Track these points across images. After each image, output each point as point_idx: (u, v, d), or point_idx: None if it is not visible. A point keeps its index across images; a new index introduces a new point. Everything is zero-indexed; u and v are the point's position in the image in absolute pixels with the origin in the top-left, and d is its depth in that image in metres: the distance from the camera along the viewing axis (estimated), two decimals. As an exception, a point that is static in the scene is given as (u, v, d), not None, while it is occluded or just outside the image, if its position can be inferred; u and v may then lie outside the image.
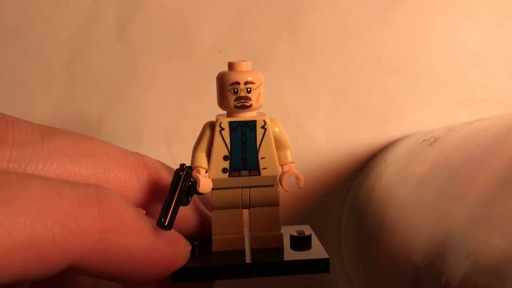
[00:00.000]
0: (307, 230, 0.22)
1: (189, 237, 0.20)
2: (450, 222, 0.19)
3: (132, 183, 0.20)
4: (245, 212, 0.21)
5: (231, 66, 0.21)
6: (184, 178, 0.19)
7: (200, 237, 0.21)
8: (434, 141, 0.26)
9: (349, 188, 0.32)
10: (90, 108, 0.31)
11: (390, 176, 0.27)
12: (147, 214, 0.19)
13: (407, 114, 0.32)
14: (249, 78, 0.20)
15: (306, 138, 0.32)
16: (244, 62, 0.20)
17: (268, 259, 0.20)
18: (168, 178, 0.20)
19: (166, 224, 0.18)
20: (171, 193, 0.19)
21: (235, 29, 0.31)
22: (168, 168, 0.21)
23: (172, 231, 0.19)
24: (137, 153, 0.20)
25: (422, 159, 0.25)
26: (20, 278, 0.15)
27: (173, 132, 0.32)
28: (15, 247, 0.15)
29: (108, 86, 0.31)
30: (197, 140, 0.21)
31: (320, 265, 0.20)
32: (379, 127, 0.32)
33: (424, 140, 0.27)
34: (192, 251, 0.20)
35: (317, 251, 0.21)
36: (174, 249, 0.19)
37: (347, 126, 0.32)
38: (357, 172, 0.32)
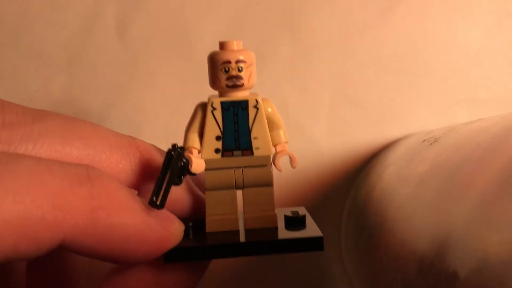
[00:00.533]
0: (301, 211, 0.22)
1: (183, 219, 0.20)
2: (450, 222, 0.19)
3: (124, 164, 0.19)
4: (239, 193, 0.21)
5: (222, 45, 0.20)
6: (176, 157, 0.19)
7: (194, 219, 0.21)
8: (434, 141, 0.26)
9: (349, 188, 0.32)
10: (90, 108, 0.31)
11: (390, 176, 0.27)
12: (140, 195, 0.19)
13: (407, 114, 0.32)
14: (241, 57, 0.20)
15: (306, 138, 0.32)
16: (235, 42, 0.20)
17: (262, 238, 0.20)
18: (160, 160, 0.20)
19: (158, 203, 0.18)
20: (162, 172, 0.19)
21: (235, 29, 0.31)
22: (161, 151, 0.21)
23: (165, 211, 0.19)
24: (129, 136, 0.20)
25: (422, 159, 0.25)
26: (11, 257, 0.15)
27: (173, 132, 0.32)
28: (4, 224, 0.14)
29: (108, 86, 0.31)
30: (189, 121, 0.21)
31: (314, 243, 0.20)
32: (379, 127, 0.32)
33: (424, 140, 0.27)
34: (186, 232, 0.20)
35: (311, 230, 0.20)
36: (167, 228, 0.19)
37: (347, 126, 0.32)
38: (357, 172, 0.32)
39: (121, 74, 0.31)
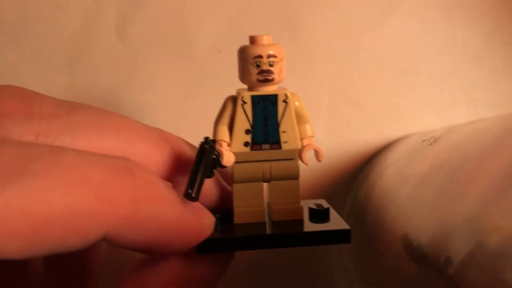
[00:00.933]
0: (324, 203, 0.22)
1: (210, 210, 0.20)
2: (450, 222, 0.19)
3: (155, 156, 0.20)
4: (265, 185, 0.21)
5: (253, 39, 0.20)
6: (209, 151, 0.19)
7: (220, 210, 0.21)
8: (434, 141, 0.26)
9: (349, 188, 0.32)
10: (90, 108, 0.31)
11: (390, 176, 0.27)
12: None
13: (407, 114, 0.32)
14: (272, 52, 0.20)
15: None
16: (265, 36, 0.20)
17: (290, 231, 0.20)
18: (188, 152, 0.21)
19: (193, 195, 0.19)
20: (196, 165, 0.19)
21: (235, 29, 0.31)
22: (187, 143, 0.21)
23: (197, 204, 0.19)
24: (158, 128, 0.21)
25: (422, 159, 0.25)
26: (57, 249, 0.15)
27: (173, 132, 0.32)
28: (54, 217, 0.15)
29: (108, 86, 0.31)
30: (218, 113, 0.21)
31: (341, 236, 0.20)
32: (379, 127, 0.32)
33: (424, 140, 0.27)
34: (214, 223, 0.20)
35: (337, 222, 0.21)
36: (201, 220, 0.19)
37: (347, 126, 0.32)
38: (357, 172, 0.32)
39: (121, 74, 0.31)
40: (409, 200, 0.23)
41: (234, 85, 0.31)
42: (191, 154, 0.21)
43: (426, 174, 0.23)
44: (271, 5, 0.31)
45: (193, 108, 0.32)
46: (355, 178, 0.32)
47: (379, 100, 0.32)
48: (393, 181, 0.26)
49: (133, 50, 0.31)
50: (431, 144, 0.26)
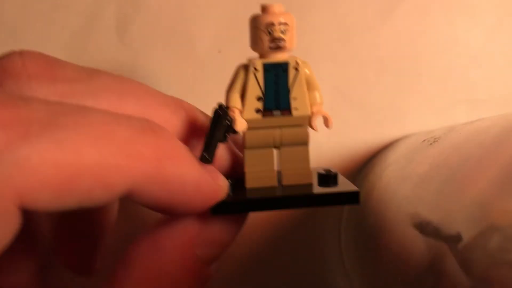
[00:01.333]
0: (332, 169, 0.23)
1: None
2: (450, 222, 0.19)
3: (172, 121, 0.21)
4: (275, 151, 0.22)
5: (264, 8, 0.21)
6: (222, 116, 0.20)
7: (232, 177, 0.22)
8: (434, 141, 0.26)
9: (349, 188, 0.32)
10: (90, 108, 0.31)
11: (390, 176, 0.27)
12: None
13: (407, 114, 0.32)
14: (283, 19, 0.21)
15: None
16: (276, 4, 0.21)
17: (300, 193, 0.21)
18: (203, 120, 0.21)
19: (208, 158, 0.19)
20: (211, 130, 0.20)
21: (235, 29, 0.31)
22: (203, 112, 0.22)
23: (212, 167, 0.20)
24: (173, 96, 0.21)
25: (422, 159, 0.25)
26: (84, 202, 0.16)
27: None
28: (84, 170, 0.15)
29: (108, 86, 0.31)
30: (230, 81, 0.21)
31: (350, 197, 0.21)
32: (379, 127, 0.32)
33: (424, 140, 0.27)
34: (227, 185, 0.20)
35: (346, 185, 0.22)
36: (216, 181, 0.20)
37: (347, 126, 0.32)
38: (357, 172, 0.32)
39: (121, 74, 0.31)
40: (409, 200, 0.23)
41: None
42: (206, 122, 0.21)
43: (426, 174, 0.23)
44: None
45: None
46: (355, 178, 0.32)
47: (379, 100, 0.32)
48: (393, 181, 0.26)
49: (133, 50, 0.31)
50: (431, 144, 0.26)
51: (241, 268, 0.32)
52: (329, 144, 0.32)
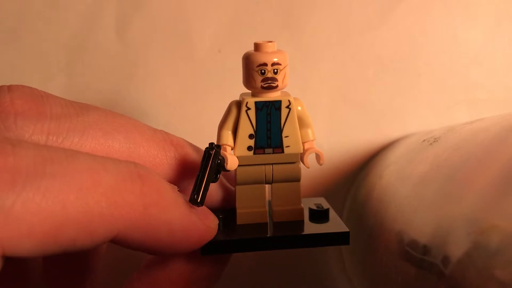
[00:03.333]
0: (324, 203, 0.23)
1: (213, 211, 0.21)
2: (450, 222, 0.19)
3: (160, 158, 0.20)
4: (267, 186, 0.22)
5: (257, 47, 0.21)
6: (214, 156, 0.20)
7: (223, 210, 0.22)
8: (434, 141, 0.26)
9: (349, 188, 0.32)
10: (90, 108, 0.31)
11: (390, 176, 0.27)
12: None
13: (407, 114, 0.32)
14: (276, 60, 0.20)
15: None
16: (270, 43, 0.21)
17: (291, 233, 0.21)
18: (192, 154, 0.21)
19: (198, 200, 0.19)
20: (202, 170, 0.20)
21: (235, 29, 0.31)
22: (191, 145, 0.22)
23: (203, 206, 0.20)
24: (162, 130, 0.21)
25: (422, 159, 0.25)
26: (68, 249, 0.16)
27: (173, 132, 0.32)
28: (68, 219, 0.15)
29: (108, 86, 0.31)
30: (222, 118, 0.22)
31: (341, 238, 0.21)
32: (379, 127, 0.32)
33: (424, 140, 0.27)
34: (218, 224, 0.20)
35: (337, 224, 0.22)
36: (206, 222, 0.20)
37: (347, 126, 0.32)
38: (357, 172, 0.32)
39: (121, 74, 0.31)
40: (409, 200, 0.23)
41: (233, 85, 0.31)
42: (195, 155, 0.21)
43: (426, 174, 0.23)
44: (271, 5, 0.31)
45: (193, 108, 0.32)
46: (355, 178, 0.32)
47: (379, 100, 0.32)
48: (393, 181, 0.26)
49: (133, 50, 0.31)
50: (431, 144, 0.26)
51: (241, 269, 0.32)
52: (329, 144, 0.32)
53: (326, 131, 0.32)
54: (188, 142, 0.22)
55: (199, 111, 0.31)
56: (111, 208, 0.16)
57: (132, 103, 0.31)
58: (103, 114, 0.20)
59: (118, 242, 0.17)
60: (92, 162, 0.16)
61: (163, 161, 0.21)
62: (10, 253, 0.15)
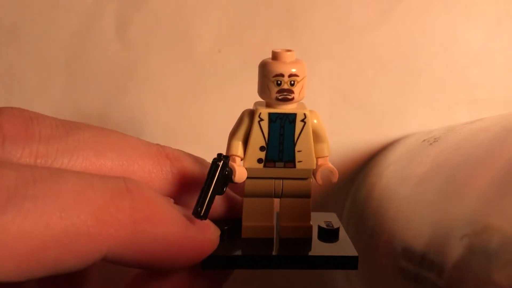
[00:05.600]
0: (334, 220, 0.22)
1: (218, 222, 0.20)
2: (450, 222, 0.19)
3: (156, 173, 0.20)
4: (276, 200, 0.21)
5: (275, 55, 0.20)
6: (222, 168, 0.19)
7: (229, 221, 0.21)
8: (434, 141, 0.26)
9: (349, 188, 0.32)
10: (90, 108, 0.31)
11: (390, 176, 0.27)
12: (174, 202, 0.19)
13: (407, 114, 0.32)
14: (294, 70, 0.19)
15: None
16: (288, 53, 0.20)
17: (297, 252, 0.20)
18: (190, 166, 0.20)
19: (201, 214, 0.18)
20: (208, 183, 0.19)
21: (235, 29, 0.31)
22: (189, 156, 0.21)
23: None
24: (157, 144, 0.21)
25: (422, 159, 0.25)
26: (55, 271, 0.15)
27: (173, 132, 0.32)
28: (52, 240, 0.15)
29: (108, 86, 0.31)
30: (234, 127, 0.20)
31: (349, 262, 0.20)
32: (379, 127, 0.32)
33: (424, 140, 0.27)
34: (222, 235, 0.20)
35: (346, 246, 0.21)
36: (205, 235, 0.19)
37: (347, 126, 0.32)
38: (357, 172, 0.32)
39: (121, 74, 0.31)
40: (409, 200, 0.23)
41: (233, 85, 0.31)
42: (193, 167, 0.21)
43: (426, 174, 0.23)
44: (271, 5, 0.31)
45: (193, 108, 0.31)
46: (355, 178, 0.32)
47: (379, 100, 0.32)
48: (393, 181, 0.26)
49: (133, 50, 0.31)
50: (431, 144, 0.26)
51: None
52: (329, 144, 0.32)
53: (326, 131, 0.32)
54: (186, 154, 0.21)
55: (199, 111, 0.31)
56: (99, 226, 0.16)
57: (132, 103, 0.31)
58: (94, 133, 0.19)
59: (110, 261, 0.17)
60: (78, 180, 0.16)
61: (159, 176, 0.20)
62: None
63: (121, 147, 0.19)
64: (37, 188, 0.15)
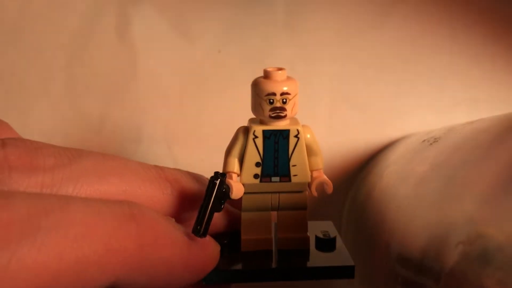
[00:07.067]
0: (331, 229, 0.23)
1: (217, 236, 0.21)
2: (450, 222, 0.19)
3: (157, 196, 0.20)
4: (273, 213, 0.22)
5: (267, 74, 0.20)
6: (219, 186, 0.19)
7: (227, 234, 0.22)
8: (434, 141, 0.26)
9: (349, 188, 0.32)
10: (90, 108, 0.31)
11: (390, 176, 0.27)
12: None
13: (407, 114, 0.32)
14: (285, 89, 0.20)
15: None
16: (280, 71, 0.20)
17: (295, 264, 0.21)
18: (189, 186, 0.21)
19: (201, 232, 0.19)
20: (206, 201, 0.19)
21: (235, 29, 0.31)
22: (187, 174, 0.22)
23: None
24: (156, 166, 0.21)
25: (422, 159, 0.25)
26: None
27: (173, 132, 0.32)
28: (65, 271, 0.15)
29: (108, 86, 0.31)
30: (229, 145, 0.21)
31: (345, 272, 0.21)
32: (379, 127, 0.32)
33: (424, 140, 0.27)
34: (222, 250, 0.20)
35: (343, 256, 0.21)
36: (206, 252, 0.19)
37: (347, 126, 0.32)
38: (357, 172, 0.32)
39: (121, 74, 0.31)
40: (409, 200, 0.23)
41: (233, 85, 0.31)
42: (192, 186, 0.21)
43: (426, 174, 0.23)
44: (271, 5, 0.31)
45: (193, 108, 0.31)
46: (355, 178, 0.32)
47: (379, 100, 0.32)
48: (393, 181, 0.26)
49: (133, 50, 0.31)
50: (431, 144, 0.26)
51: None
52: (329, 144, 0.32)
53: (326, 131, 0.32)
54: (184, 173, 0.22)
55: (199, 111, 0.31)
56: (108, 254, 0.16)
57: (132, 103, 0.31)
58: (97, 159, 0.19)
59: (117, 286, 0.17)
60: (86, 208, 0.16)
61: (160, 199, 0.20)
62: None
63: (122, 172, 0.20)
64: (48, 219, 0.15)
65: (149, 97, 0.31)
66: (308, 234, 0.22)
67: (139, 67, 0.31)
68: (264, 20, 0.31)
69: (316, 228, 0.22)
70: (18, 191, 0.17)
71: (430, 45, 0.32)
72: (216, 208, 0.19)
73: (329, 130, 0.32)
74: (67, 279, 0.15)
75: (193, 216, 0.20)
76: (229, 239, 0.21)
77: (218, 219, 0.22)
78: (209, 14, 0.31)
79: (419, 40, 0.31)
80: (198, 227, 0.19)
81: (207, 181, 0.20)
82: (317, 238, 0.22)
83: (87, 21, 0.31)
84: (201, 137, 0.32)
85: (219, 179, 0.19)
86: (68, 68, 0.31)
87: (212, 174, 0.20)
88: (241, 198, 0.21)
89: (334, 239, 0.22)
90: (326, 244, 0.22)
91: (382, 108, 0.32)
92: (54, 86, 0.31)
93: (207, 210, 0.19)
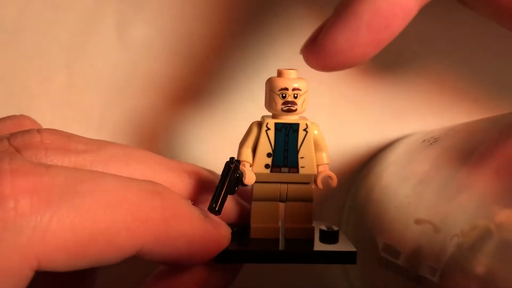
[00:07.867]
0: (334, 226, 0.24)
1: (228, 224, 0.22)
2: (449, 222, 0.19)
3: (176, 184, 0.22)
4: (281, 204, 0.23)
5: (280, 73, 0.23)
6: (233, 170, 0.21)
7: (238, 225, 0.23)
8: (434, 141, 0.26)
9: (349, 188, 0.32)
10: (90, 108, 0.31)
11: (390, 176, 0.27)
12: None
13: (407, 114, 0.32)
14: (296, 85, 0.22)
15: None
16: (292, 71, 0.23)
17: (301, 249, 0.22)
18: (204, 177, 0.23)
19: (216, 209, 0.21)
20: (221, 182, 0.21)
21: (235, 30, 0.31)
22: (203, 169, 0.24)
23: (215, 218, 0.22)
24: (175, 159, 0.23)
25: (422, 159, 0.25)
26: (96, 263, 0.17)
27: (173, 132, 0.32)
28: (98, 233, 0.17)
29: (108, 86, 0.31)
30: (244, 136, 0.23)
31: (348, 257, 0.22)
32: (379, 127, 0.32)
33: (424, 140, 0.27)
34: (232, 236, 0.22)
35: (345, 244, 0.23)
36: (219, 231, 0.21)
37: (347, 126, 0.32)
38: (357, 172, 0.32)
39: (121, 74, 0.31)
40: (409, 200, 0.23)
41: (233, 85, 0.31)
42: (205, 178, 0.23)
43: (426, 174, 0.23)
44: (271, 5, 0.31)
45: (193, 108, 0.32)
46: (355, 178, 0.32)
47: (379, 100, 0.32)
48: (393, 181, 0.26)
49: (133, 50, 0.31)
50: (431, 144, 0.26)
51: (241, 268, 0.32)
52: (329, 144, 0.32)
53: (326, 131, 0.32)
54: (200, 167, 0.24)
55: (199, 111, 0.31)
56: (136, 223, 0.18)
57: (132, 103, 0.31)
58: (121, 148, 0.21)
59: (141, 256, 0.18)
60: (117, 181, 0.18)
61: (179, 186, 0.22)
62: (45, 266, 0.16)
63: (146, 160, 0.22)
64: (84, 186, 0.17)
65: (149, 97, 0.31)
66: (313, 225, 0.23)
67: (139, 67, 0.31)
68: (264, 20, 0.31)
69: (320, 224, 0.24)
70: (56, 164, 0.19)
71: (430, 45, 0.32)
72: (230, 190, 0.21)
73: (329, 130, 0.32)
74: (101, 242, 0.17)
75: (207, 204, 0.21)
76: (239, 228, 0.23)
77: (229, 209, 0.24)
78: (209, 14, 0.31)
79: (419, 40, 0.31)
80: (214, 204, 0.21)
81: (220, 176, 0.22)
82: (321, 230, 0.23)
83: (87, 21, 0.31)
84: (201, 137, 0.32)
85: (234, 164, 0.21)
86: (68, 68, 0.31)
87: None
88: (252, 189, 0.23)
89: (337, 231, 0.23)
90: (329, 236, 0.23)
91: (382, 108, 0.32)
92: (54, 86, 0.31)
93: (222, 190, 0.21)
